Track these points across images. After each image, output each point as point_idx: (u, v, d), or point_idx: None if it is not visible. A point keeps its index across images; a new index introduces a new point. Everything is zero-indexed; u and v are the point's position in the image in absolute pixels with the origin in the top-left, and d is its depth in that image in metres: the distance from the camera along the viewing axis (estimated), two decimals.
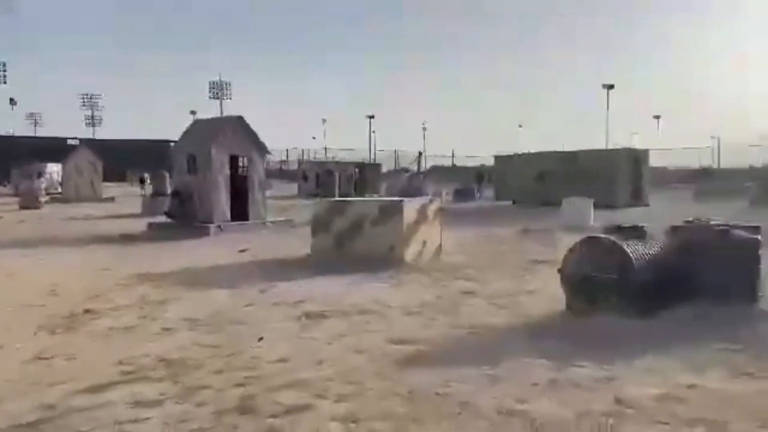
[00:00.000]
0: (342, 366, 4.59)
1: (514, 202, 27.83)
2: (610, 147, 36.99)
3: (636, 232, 6.18)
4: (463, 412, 3.71)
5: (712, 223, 6.53)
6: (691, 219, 6.99)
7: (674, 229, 6.64)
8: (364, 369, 4.52)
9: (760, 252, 6.22)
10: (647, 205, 24.93)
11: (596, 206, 22.16)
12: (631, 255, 5.71)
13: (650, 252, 5.97)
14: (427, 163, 60.40)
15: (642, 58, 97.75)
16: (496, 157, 31.09)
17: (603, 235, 6.09)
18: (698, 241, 6.22)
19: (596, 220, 17.50)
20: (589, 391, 3.97)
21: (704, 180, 32.54)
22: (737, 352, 4.84)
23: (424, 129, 64.51)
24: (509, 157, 29.67)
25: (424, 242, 10.26)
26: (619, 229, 6.21)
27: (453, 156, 64.27)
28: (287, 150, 59.43)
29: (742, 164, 46.91)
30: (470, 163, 59.55)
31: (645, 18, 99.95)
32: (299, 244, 11.31)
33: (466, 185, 34.69)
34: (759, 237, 6.30)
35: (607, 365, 4.45)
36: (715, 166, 53.30)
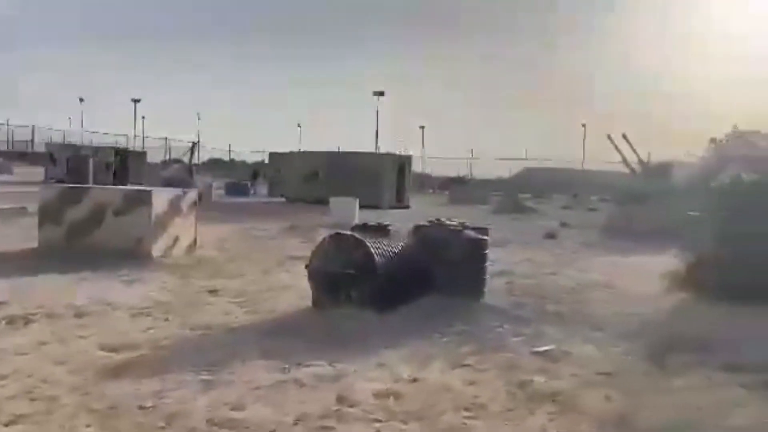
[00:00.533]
0: (31, 380, 3.80)
1: (287, 200, 27.77)
2: (381, 151, 39.04)
3: (381, 230, 6.28)
4: (169, 426, 3.25)
5: (448, 223, 6.93)
6: (433, 219, 7.37)
7: (416, 228, 6.93)
8: (60, 382, 3.79)
9: (486, 251, 6.77)
10: (408, 207, 26.74)
11: (363, 206, 23.16)
12: (372, 251, 5.76)
13: (392, 249, 6.10)
14: (204, 156, 57.72)
15: (415, 69, 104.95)
16: (271, 154, 30.78)
17: (347, 232, 6.07)
18: (435, 240, 6.55)
19: (361, 219, 18.20)
20: (313, 392, 3.78)
21: (458, 187, 36.08)
22: (460, 344, 5.11)
23: (198, 119, 61.49)
24: (284, 154, 29.55)
25: (177, 237, 9.46)
26: (364, 227, 6.26)
27: (230, 150, 62.40)
28: (33, 127, 51.16)
29: (492, 175, 53.29)
30: (252, 159, 58.51)
31: (418, 35, 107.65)
32: (27, 236, 9.67)
33: (240, 180, 33.79)
34: (486, 237, 6.85)
35: (338, 362, 4.34)
36: (470, 175, 59.59)
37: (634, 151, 17.46)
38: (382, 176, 25.80)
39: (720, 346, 5.14)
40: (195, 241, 9.89)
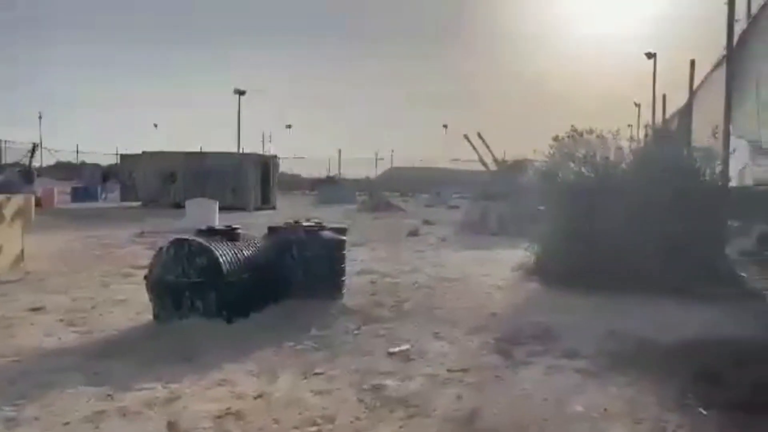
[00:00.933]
0: None
1: (142, 204, 26.03)
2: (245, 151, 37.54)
3: (229, 234, 5.88)
4: None
5: (304, 224, 6.68)
6: (290, 221, 7.08)
7: (270, 230, 6.61)
8: None
9: (344, 251, 6.60)
10: (275, 208, 26.14)
11: (226, 208, 22.22)
12: (218, 256, 5.35)
13: (242, 253, 5.73)
14: (50, 160, 52.51)
15: (279, 67, 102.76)
16: (122, 156, 28.68)
17: (191, 237, 5.60)
18: (290, 242, 6.27)
19: (224, 222, 17.40)
20: (137, 421, 3.35)
21: (326, 187, 35.93)
22: (313, 351, 4.88)
23: (40, 118, 55.89)
24: (137, 156, 27.60)
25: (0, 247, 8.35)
26: (211, 231, 5.82)
27: (78, 152, 57.35)
28: None
29: (362, 175, 53.75)
30: (107, 162, 54.13)
31: (265, 32, 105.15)
32: None
33: (89, 183, 31.15)
34: (343, 237, 6.69)
35: (174, 382, 3.92)
36: (339, 175, 59.63)
37: (489, 149, 18.36)
38: (245, 177, 24.97)
39: (562, 333, 5.36)
40: (22, 252, 8.78)
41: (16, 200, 8.88)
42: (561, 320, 5.85)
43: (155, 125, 55.16)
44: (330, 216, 21.97)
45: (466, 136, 18.76)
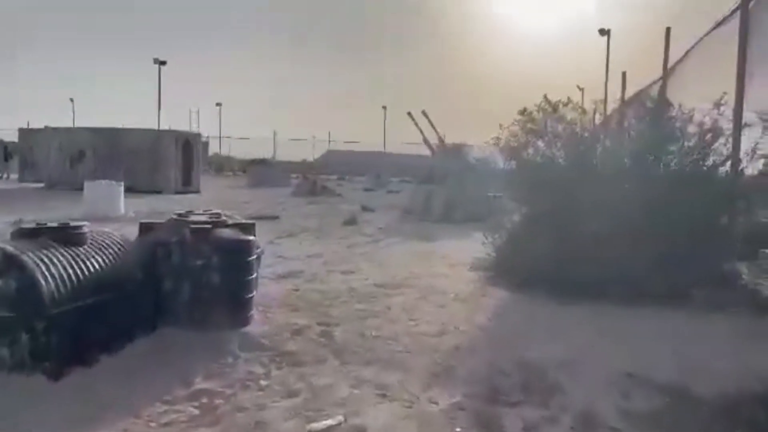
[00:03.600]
0: None
1: (46, 185, 23.08)
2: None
3: (68, 234, 3.88)
4: None
5: (195, 218, 4.74)
6: (183, 212, 5.13)
7: (144, 229, 4.65)
8: None
9: (252, 257, 4.72)
10: (198, 191, 23.71)
11: (141, 191, 19.71)
12: (36, 275, 3.38)
13: (87, 265, 3.77)
14: None
15: (200, 38, 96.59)
16: (21, 131, 25.35)
17: None
18: (168, 246, 4.34)
19: (133, 208, 15.05)
20: None
21: (258, 169, 33.45)
22: (190, 422, 3.04)
23: None
24: (38, 131, 24.41)
25: None
26: (33, 232, 3.80)
27: None
28: None
29: (299, 157, 51.20)
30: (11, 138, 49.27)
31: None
32: None
33: None
34: (251, 238, 4.80)
35: None
36: (274, 157, 56.79)
37: (435, 128, 16.70)
38: (163, 156, 22.41)
39: (562, 379, 3.72)
40: None
41: None
42: (553, 353, 4.22)
43: (71, 100, 50.27)
44: (260, 201, 19.93)
45: (409, 114, 17.04)
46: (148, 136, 23.21)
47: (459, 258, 8.68)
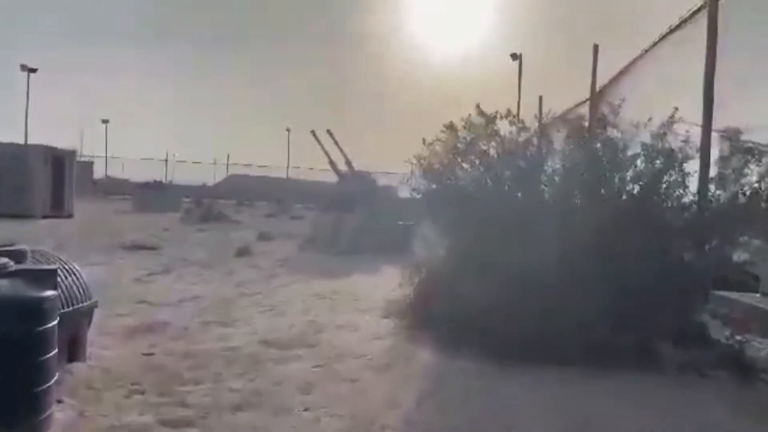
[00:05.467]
0: None
1: None
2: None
3: None
4: None
5: None
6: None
7: None
8: None
9: (48, 325, 2.93)
10: (71, 215, 20.81)
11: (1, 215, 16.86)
12: None
13: None
14: None
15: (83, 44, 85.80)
16: None
17: None
18: None
19: None
20: None
21: (146, 193, 30.47)
22: None
23: None
24: None
25: None
26: None
27: None
28: None
29: (198, 181, 47.90)
30: None
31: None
32: None
33: None
34: (48, 294, 3.02)
35: None
36: (168, 180, 52.98)
37: (341, 149, 15.24)
38: (28, 175, 19.46)
39: None
40: None
41: None
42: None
43: None
44: (141, 227, 17.49)
45: (313, 133, 15.48)
46: (11, 151, 20.13)
47: (370, 300, 7.23)
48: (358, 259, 11.43)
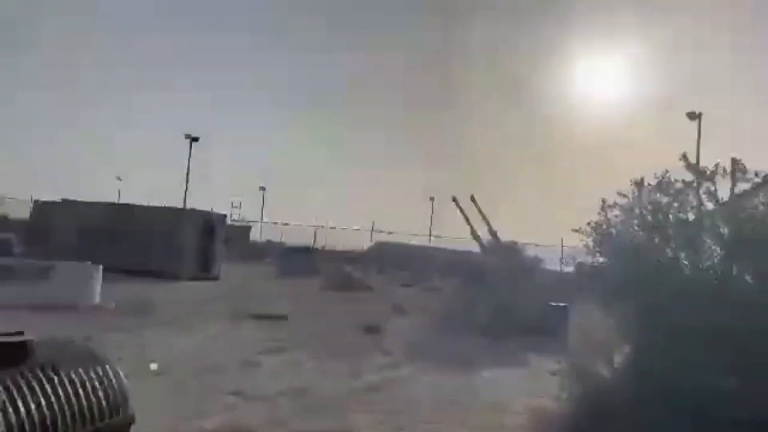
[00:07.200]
0: None
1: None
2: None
3: None
4: None
5: None
6: None
7: None
8: None
9: None
10: (217, 278, 21.22)
11: (151, 274, 17.40)
12: None
13: None
14: None
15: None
16: (36, 204, 23.85)
17: None
18: None
19: (118, 295, 12.41)
20: None
21: (289, 258, 30.96)
22: None
23: None
24: (54, 204, 22.77)
25: None
26: None
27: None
28: None
29: (353, 246, 48.46)
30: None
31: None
32: None
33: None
34: None
35: None
36: (317, 245, 54.31)
37: (484, 216, 13.80)
38: (179, 238, 20.18)
39: None
40: None
41: None
42: None
43: (118, 178, 49.35)
44: (283, 293, 17.06)
45: (454, 199, 14.28)
46: (165, 216, 21.17)
47: (511, 404, 5.58)
48: (499, 345, 9.70)
